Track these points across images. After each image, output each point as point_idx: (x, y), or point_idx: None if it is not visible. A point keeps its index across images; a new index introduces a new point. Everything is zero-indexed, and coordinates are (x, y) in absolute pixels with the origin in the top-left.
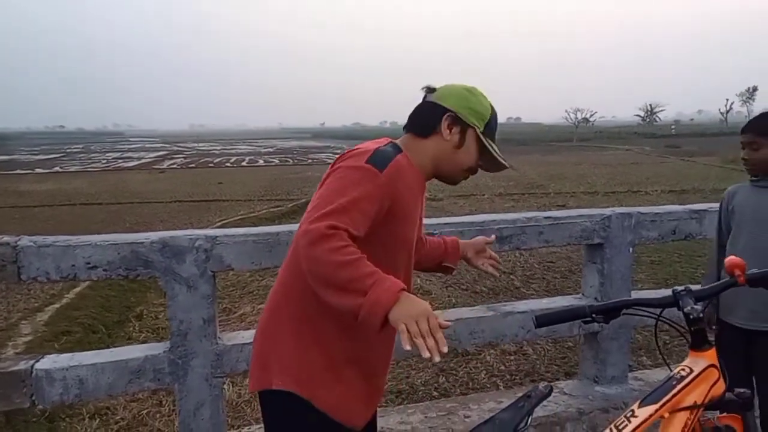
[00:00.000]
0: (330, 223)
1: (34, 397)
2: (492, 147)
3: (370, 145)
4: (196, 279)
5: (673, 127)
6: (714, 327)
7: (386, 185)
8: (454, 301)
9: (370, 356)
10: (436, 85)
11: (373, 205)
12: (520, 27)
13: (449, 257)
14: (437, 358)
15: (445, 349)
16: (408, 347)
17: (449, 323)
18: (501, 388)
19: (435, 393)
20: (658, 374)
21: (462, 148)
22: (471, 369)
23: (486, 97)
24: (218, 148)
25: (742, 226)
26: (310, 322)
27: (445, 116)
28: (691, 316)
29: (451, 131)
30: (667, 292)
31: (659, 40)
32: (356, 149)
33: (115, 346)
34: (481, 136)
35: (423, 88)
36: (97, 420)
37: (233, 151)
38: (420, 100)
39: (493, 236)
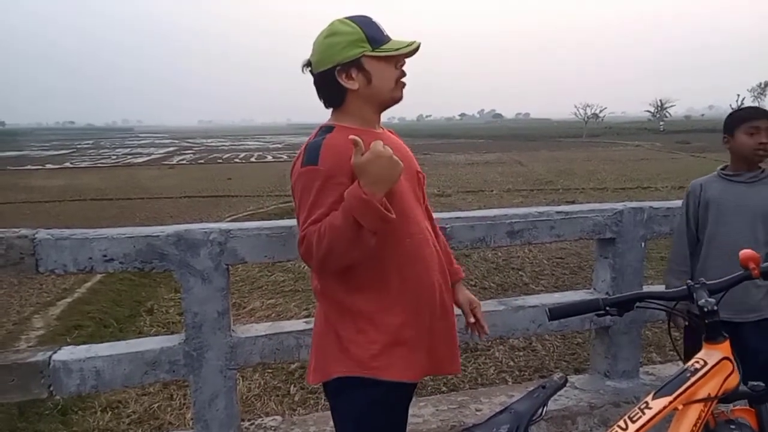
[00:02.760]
0: (301, 237)
1: (51, 388)
2: (390, 50)
3: (307, 141)
4: (210, 272)
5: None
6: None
7: (329, 170)
8: None
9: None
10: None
11: (332, 193)
12: (529, 22)
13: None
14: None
15: None
16: None
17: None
18: (510, 383)
19: (444, 388)
20: (669, 369)
21: (374, 78)
22: (480, 364)
23: (344, 22)
24: (227, 143)
25: (725, 220)
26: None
27: (336, 75)
28: (706, 309)
29: (352, 78)
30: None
31: (670, 35)
32: (298, 153)
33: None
34: (375, 53)
35: (303, 67)
36: (109, 413)
37: (242, 147)
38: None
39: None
